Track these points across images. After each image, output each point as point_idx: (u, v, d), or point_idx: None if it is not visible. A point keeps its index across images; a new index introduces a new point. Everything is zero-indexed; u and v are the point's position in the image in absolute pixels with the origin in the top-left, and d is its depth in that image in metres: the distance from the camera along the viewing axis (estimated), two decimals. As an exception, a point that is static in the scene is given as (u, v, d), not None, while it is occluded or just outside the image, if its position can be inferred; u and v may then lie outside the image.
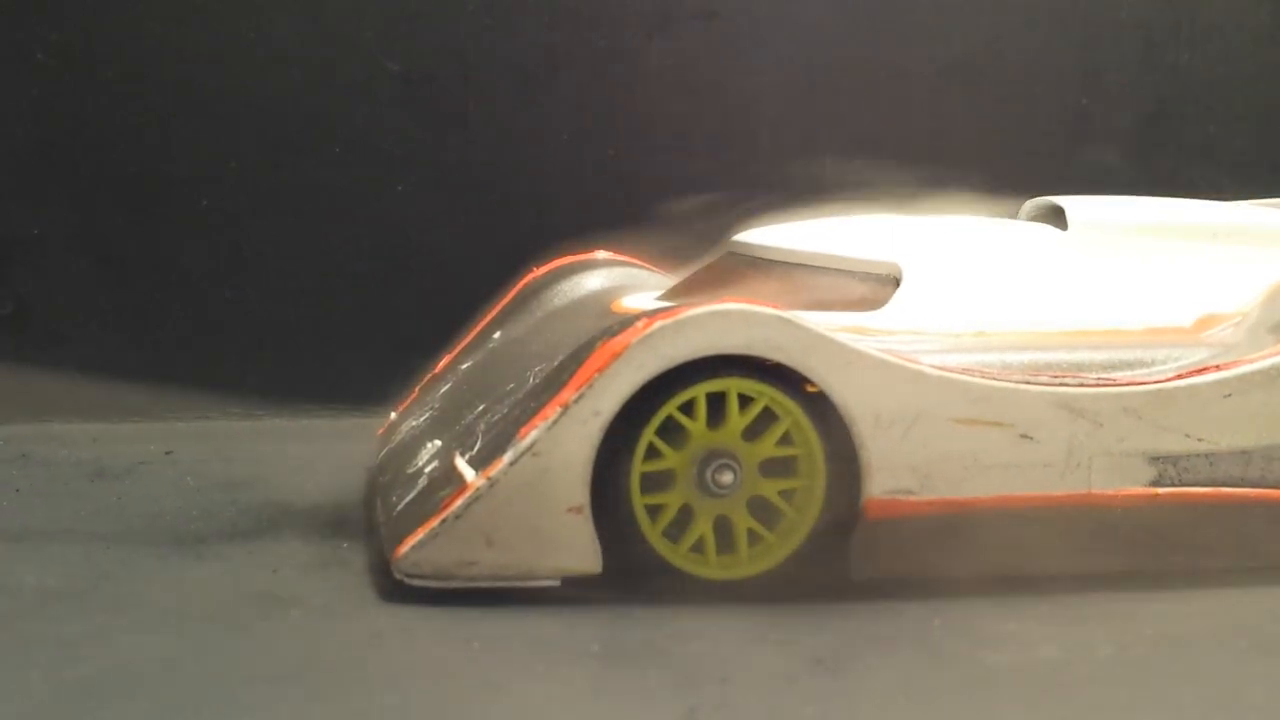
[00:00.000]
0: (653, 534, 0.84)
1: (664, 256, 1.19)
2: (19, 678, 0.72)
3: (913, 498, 0.84)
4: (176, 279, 1.38)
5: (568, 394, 0.81)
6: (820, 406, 0.84)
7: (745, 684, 0.72)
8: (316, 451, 1.21)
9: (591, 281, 1.12)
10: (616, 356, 0.81)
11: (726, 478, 0.84)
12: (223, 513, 1.02)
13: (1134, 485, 0.87)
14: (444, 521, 0.81)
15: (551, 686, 0.72)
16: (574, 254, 1.18)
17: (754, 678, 0.73)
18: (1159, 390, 0.87)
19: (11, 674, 0.72)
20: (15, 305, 1.38)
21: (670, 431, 0.84)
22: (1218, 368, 0.89)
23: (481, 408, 0.94)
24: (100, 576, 0.88)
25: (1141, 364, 0.91)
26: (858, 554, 0.84)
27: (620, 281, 1.12)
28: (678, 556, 0.84)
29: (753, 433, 0.84)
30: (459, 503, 0.81)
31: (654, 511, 0.84)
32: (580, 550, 0.82)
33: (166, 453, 1.21)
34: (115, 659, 0.74)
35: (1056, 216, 1.03)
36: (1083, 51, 1.48)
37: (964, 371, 0.86)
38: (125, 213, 1.38)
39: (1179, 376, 0.88)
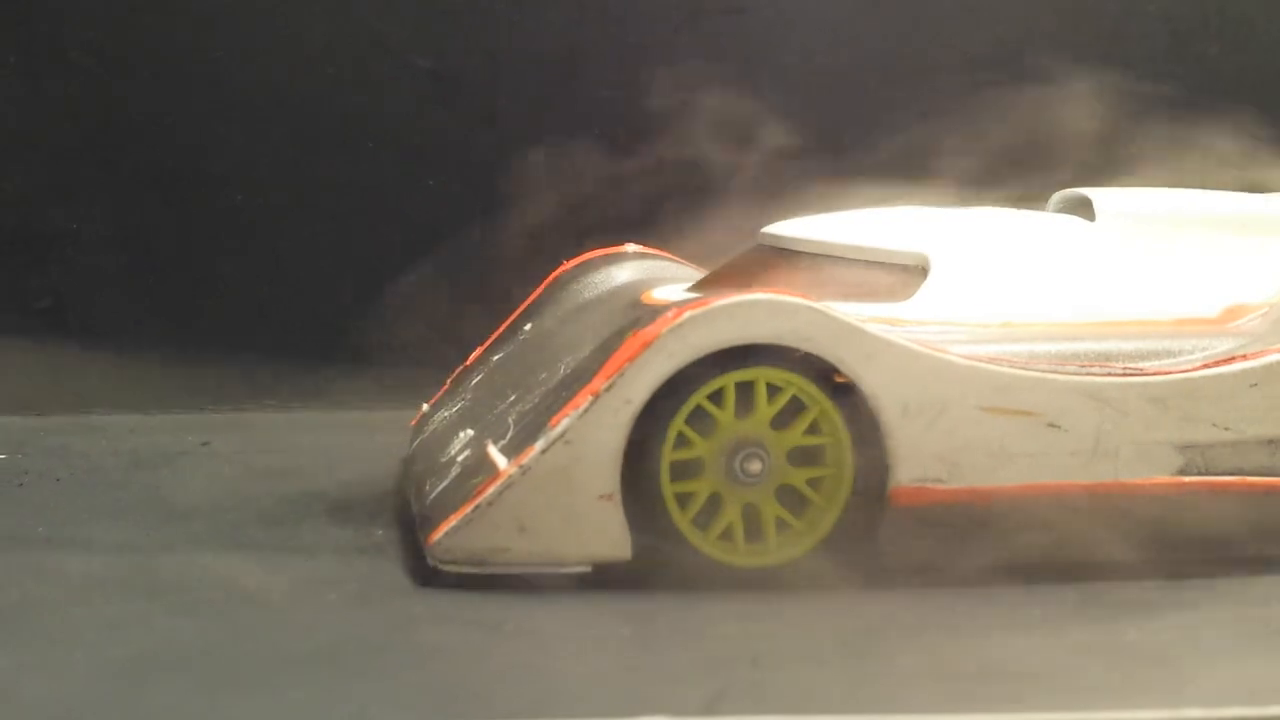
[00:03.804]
0: (682, 521, 0.84)
1: (693, 249, 1.20)
2: (65, 659, 0.73)
3: (940, 486, 0.85)
4: (211, 273, 1.40)
5: (599, 383, 0.82)
6: (848, 396, 0.84)
7: (774, 667, 0.73)
8: (350, 442, 1.23)
9: (621, 274, 1.13)
10: (647, 346, 0.82)
11: (755, 466, 0.85)
12: (259, 501, 1.03)
13: (1161, 474, 0.87)
14: (477, 508, 0.83)
15: (583, 669, 0.73)
16: (604, 248, 1.19)
17: (782, 661, 0.74)
18: (1185, 380, 0.88)
19: (58, 655, 0.74)
20: (54, 299, 1.40)
21: (700, 420, 0.84)
22: (1244, 357, 0.89)
23: (513, 398, 0.95)
24: (140, 562, 0.89)
25: (1169, 354, 0.91)
26: (885, 542, 0.85)
27: (650, 274, 1.13)
28: (707, 544, 0.85)
29: (781, 422, 0.85)
30: (491, 490, 0.83)
31: (683, 499, 0.85)
32: (611, 537, 0.83)
33: (203, 444, 1.23)
34: (156, 641, 0.76)
35: (1084, 208, 1.03)
36: (1110, 44, 1.48)
37: (991, 361, 0.86)
38: (160, 208, 1.40)
39: (1205, 366, 0.89)
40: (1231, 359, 0.89)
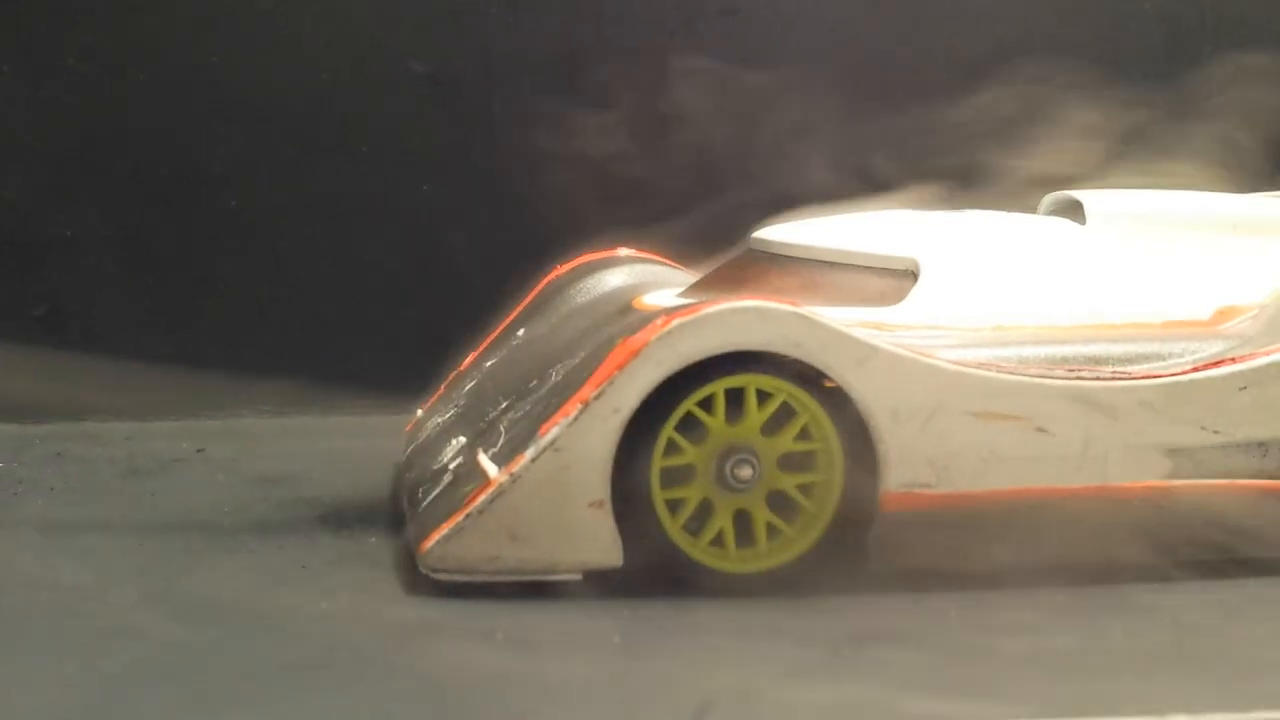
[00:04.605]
0: (673, 528, 0.85)
1: (685, 253, 1.20)
2: (56, 668, 0.74)
3: (930, 491, 0.85)
4: (208, 279, 1.41)
5: (588, 391, 0.83)
6: (838, 401, 0.85)
7: (763, 673, 0.74)
8: (345, 448, 1.23)
9: (613, 279, 1.13)
10: (636, 354, 0.83)
11: (745, 472, 0.85)
12: (253, 508, 1.04)
13: (1150, 477, 0.87)
14: (468, 517, 0.83)
15: (573, 676, 0.74)
16: (596, 251, 1.19)
17: (772, 667, 0.74)
18: (1175, 383, 0.88)
19: (49, 664, 0.74)
20: (50, 306, 1.40)
21: (690, 427, 0.85)
22: (1234, 360, 0.89)
23: (505, 404, 0.96)
24: (134, 570, 0.90)
25: (1159, 357, 0.91)
26: (875, 547, 0.85)
27: (642, 279, 1.13)
28: (697, 550, 0.85)
29: (771, 428, 0.86)
30: (482, 498, 0.83)
31: (674, 506, 0.85)
32: (601, 544, 0.83)
33: (198, 450, 1.23)
34: (149, 650, 0.76)
35: (1075, 210, 1.03)
36: (1106, 45, 1.48)
37: (981, 366, 0.87)
38: (157, 214, 1.40)
39: (1195, 369, 0.89)
40: (1221, 362, 0.89)
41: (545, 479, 0.82)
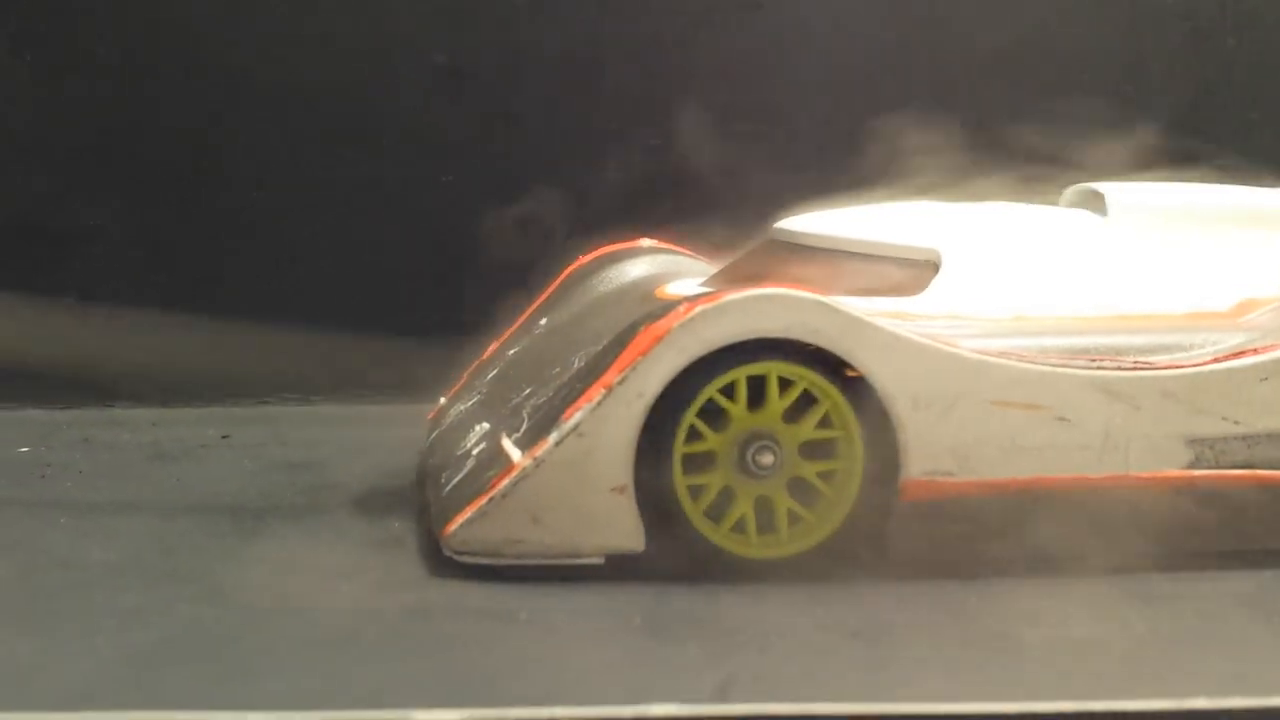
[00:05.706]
0: (694, 514, 0.85)
1: (707, 244, 1.21)
2: (86, 644, 0.75)
3: (951, 479, 0.86)
4: (232, 268, 1.42)
5: (611, 376, 0.83)
6: (859, 389, 0.85)
7: (782, 655, 0.74)
8: (369, 435, 1.24)
9: (635, 269, 1.14)
10: (659, 340, 0.83)
11: (767, 459, 0.86)
12: (279, 493, 1.05)
13: (1171, 468, 0.88)
14: (491, 500, 0.84)
15: (594, 657, 0.74)
16: (619, 242, 1.20)
17: (791, 649, 0.75)
18: (1196, 374, 0.88)
19: (79, 641, 0.76)
20: (77, 295, 1.42)
21: (712, 414, 0.85)
22: (1255, 351, 0.89)
23: (528, 391, 0.96)
24: (161, 551, 0.91)
25: (1179, 348, 0.91)
26: (896, 534, 0.86)
27: (664, 269, 1.14)
28: (719, 536, 0.86)
29: (793, 415, 0.86)
30: (506, 482, 0.84)
31: (696, 492, 0.86)
32: (623, 529, 0.84)
33: (224, 436, 1.24)
34: (176, 628, 0.77)
35: (1096, 202, 1.03)
36: (1127, 38, 1.48)
37: (1002, 355, 0.87)
38: (181, 204, 1.42)
39: (1216, 360, 0.89)
40: (1242, 353, 0.89)
41: (568, 463, 0.83)
